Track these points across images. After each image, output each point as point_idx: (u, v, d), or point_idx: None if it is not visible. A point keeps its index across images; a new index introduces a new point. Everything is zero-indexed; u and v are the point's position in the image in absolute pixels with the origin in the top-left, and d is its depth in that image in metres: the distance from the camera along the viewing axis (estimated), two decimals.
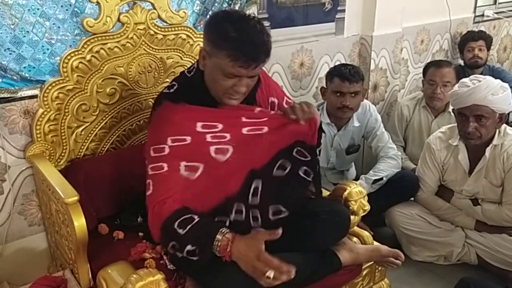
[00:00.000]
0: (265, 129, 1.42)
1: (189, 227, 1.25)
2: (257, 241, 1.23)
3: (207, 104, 1.42)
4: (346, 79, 2.21)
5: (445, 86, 2.56)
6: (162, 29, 1.85)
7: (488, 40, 3.27)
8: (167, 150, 1.35)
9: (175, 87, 1.45)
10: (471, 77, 2.08)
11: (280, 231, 1.25)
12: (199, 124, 1.38)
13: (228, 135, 1.40)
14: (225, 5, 2.14)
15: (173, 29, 1.87)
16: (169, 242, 1.29)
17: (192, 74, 1.46)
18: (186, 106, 1.39)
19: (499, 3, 3.89)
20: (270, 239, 1.25)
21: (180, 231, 1.25)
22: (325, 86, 2.36)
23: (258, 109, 1.49)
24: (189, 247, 1.25)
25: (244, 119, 1.43)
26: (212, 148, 1.38)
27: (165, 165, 1.34)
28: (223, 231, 1.26)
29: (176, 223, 1.26)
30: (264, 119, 1.44)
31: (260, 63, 1.33)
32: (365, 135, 2.48)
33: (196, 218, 1.27)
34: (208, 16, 1.42)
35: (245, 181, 1.42)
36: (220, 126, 1.40)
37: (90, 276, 1.53)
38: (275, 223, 1.38)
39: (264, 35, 1.32)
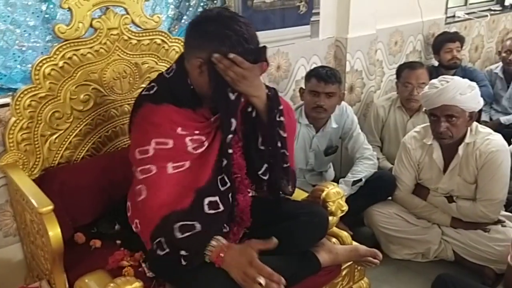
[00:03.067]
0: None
1: (187, 234, 1.27)
2: (251, 248, 1.25)
3: (189, 104, 1.41)
4: (322, 79, 2.24)
5: (421, 87, 2.60)
6: (136, 34, 1.83)
7: (462, 41, 3.34)
8: (151, 152, 1.35)
9: (155, 88, 1.44)
10: (440, 78, 2.14)
11: (275, 241, 1.27)
12: (179, 128, 1.38)
13: (204, 138, 1.42)
14: (199, 9, 2.15)
15: (147, 34, 1.85)
16: (159, 238, 1.29)
17: (171, 75, 1.45)
18: (168, 106, 1.38)
19: (470, 4, 4.00)
20: (265, 248, 1.26)
21: (178, 234, 1.26)
22: (303, 87, 2.39)
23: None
24: (182, 252, 1.26)
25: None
26: (190, 148, 1.39)
27: (153, 167, 1.35)
28: (218, 238, 1.28)
29: (177, 225, 1.27)
30: None
31: (265, 52, 1.37)
32: (342, 136, 2.51)
33: (198, 228, 1.28)
34: (191, 25, 1.41)
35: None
36: (197, 131, 1.41)
37: (67, 286, 1.50)
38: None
39: (253, 27, 1.36)
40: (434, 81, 2.14)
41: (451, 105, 2.02)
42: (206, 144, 1.42)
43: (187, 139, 1.39)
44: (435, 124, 2.09)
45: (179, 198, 1.34)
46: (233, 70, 1.31)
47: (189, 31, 1.40)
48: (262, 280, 1.19)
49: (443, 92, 2.02)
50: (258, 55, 1.35)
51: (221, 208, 1.40)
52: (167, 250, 1.28)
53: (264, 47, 1.37)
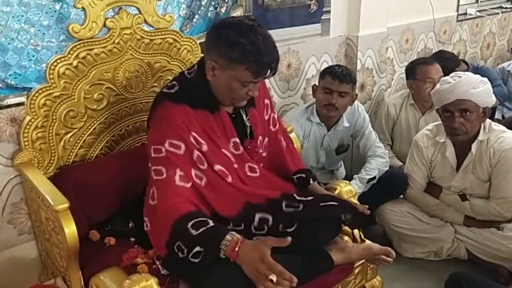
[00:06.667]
0: (229, 178, 1.49)
1: (202, 229, 1.29)
2: (264, 245, 1.26)
3: (207, 106, 1.47)
4: (337, 77, 2.25)
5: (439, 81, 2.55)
6: (149, 34, 1.84)
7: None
8: (164, 152, 1.40)
9: (176, 88, 1.49)
10: (452, 74, 2.14)
11: (289, 239, 1.28)
12: (193, 134, 1.43)
13: (205, 163, 1.46)
14: (211, 8, 2.15)
15: (159, 33, 1.86)
16: (176, 242, 1.31)
17: (192, 76, 1.50)
18: (186, 108, 1.43)
19: (481, 1, 3.96)
20: (279, 246, 1.27)
21: (193, 231, 1.28)
22: (317, 84, 2.38)
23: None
24: (197, 249, 1.28)
25: (225, 151, 1.50)
26: (193, 171, 1.44)
27: (163, 170, 1.39)
28: (233, 233, 1.29)
29: (190, 223, 1.29)
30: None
31: (276, 67, 1.41)
32: (353, 134, 2.50)
33: (211, 223, 1.31)
34: (211, 28, 1.46)
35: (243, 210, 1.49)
36: (205, 148, 1.46)
37: (82, 283, 1.52)
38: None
39: (272, 39, 1.40)
40: (445, 77, 2.14)
41: (465, 99, 2.01)
42: (204, 180, 1.45)
43: (195, 153, 1.44)
44: (449, 120, 2.08)
45: (186, 205, 1.36)
46: None
47: (208, 33, 1.45)
48: (273, 277, 1.20)
49: (456, 86, 2.02)
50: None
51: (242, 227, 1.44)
52: (186, 251, 1.29)
53: None
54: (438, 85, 2.14)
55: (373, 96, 3.00)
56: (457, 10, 3.56)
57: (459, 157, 2.18)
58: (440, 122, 2.21)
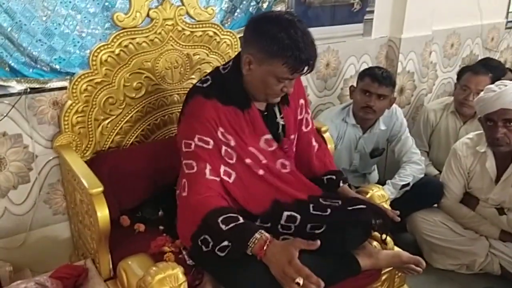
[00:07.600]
0: (260, 171, 1.50)
1: (232, 225, 1.28)
2: (292, 247, 1.24)
3: (238, 103, 1.46)
4: (376, 79, 2.20)
5: (478, 93, 2.49)
6: (190, 26, 1.86)
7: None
8: (193, 147, 1.41)
9: (208, 82, 1.48)
10: (497, 82, 2.07)
11: (318, 243, 1.26)
12: (220, 129, 1.43)
13: (234, 157, 1.46)
14: (253, 3, 2.14)
15: (200, 25, 1.88)
16: (203, 235, 1.31)
17: (226, 72, 1.49)
18: (216, 103, 1.43)
19: None
20: (307, 248, 1.26)
21: (223, 226, 1.28)
22: (354, 85, 2.34)
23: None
24: (225, 243, 1.27)
25: (252, 149, 1.49)
26: (222, 168, 1.44)
27: (194, 163, 1.40)
28: (262, 231, 1.28)
29: (221, 218, 1.29)
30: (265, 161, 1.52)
31: (314, 64, 1.38)
32: (389, 138, 2.45)
33: (241, 219, 1.30)
34: (250, 21, 1.44)
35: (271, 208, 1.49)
36: (233, 143, 1.46)
37: (111, 266, 1.56)
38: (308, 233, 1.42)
39: (311, 35, 1.37)
40: (490, 85, 2.07)
41: (509, 109, 1.94)
42: (233, 176, 1.45)
43: (223, 149, 1.44)
44: (491, 130, 2.01)
45: (218, 200, 1.36)
46: None
47: (246, 26, 1.43)
48: (300, 280, 1.19)
49: (502, 95, 1.95)
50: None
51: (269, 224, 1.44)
52: (212, 244, 1.29)
53: None
54: (482, 93, 2.07)
55: (412, 101, 2.93)
56: (507, 17, 3.41)
57: (499, 169, 2.10)
58: (482, 131, 2.14)
